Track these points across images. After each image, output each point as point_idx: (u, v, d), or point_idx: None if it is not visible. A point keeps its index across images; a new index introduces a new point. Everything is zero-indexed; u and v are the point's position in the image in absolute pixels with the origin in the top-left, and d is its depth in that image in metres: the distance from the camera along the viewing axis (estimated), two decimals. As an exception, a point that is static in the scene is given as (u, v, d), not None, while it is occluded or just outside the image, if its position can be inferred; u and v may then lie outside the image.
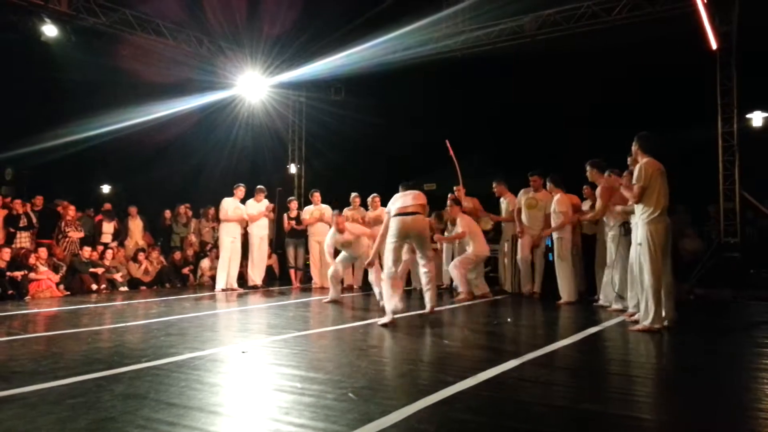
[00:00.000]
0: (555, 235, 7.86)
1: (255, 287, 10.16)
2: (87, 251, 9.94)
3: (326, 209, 10.22)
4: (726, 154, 9.65)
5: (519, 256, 8.72)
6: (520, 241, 8.69)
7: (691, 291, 8.39)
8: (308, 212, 10.38)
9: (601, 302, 7.34)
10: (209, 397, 3.24)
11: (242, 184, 10.16)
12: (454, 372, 3.75)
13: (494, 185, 9.36)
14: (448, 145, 8.93)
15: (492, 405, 3.16)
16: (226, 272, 9.85)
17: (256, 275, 10.30)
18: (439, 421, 2.82)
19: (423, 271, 6.42)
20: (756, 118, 11.96)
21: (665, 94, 10.62)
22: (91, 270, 9.77)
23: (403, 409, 2.93)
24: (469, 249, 8.30)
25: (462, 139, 9.56)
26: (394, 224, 6.12)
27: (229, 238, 9.91)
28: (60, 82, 11.61)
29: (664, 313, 5.46)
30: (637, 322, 5.65)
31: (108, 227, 10.87)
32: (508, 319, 6.48)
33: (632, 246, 6.07)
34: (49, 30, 9.80)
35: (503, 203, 9.31)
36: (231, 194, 10.03)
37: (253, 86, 12.46)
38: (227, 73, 12.25)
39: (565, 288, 7.74)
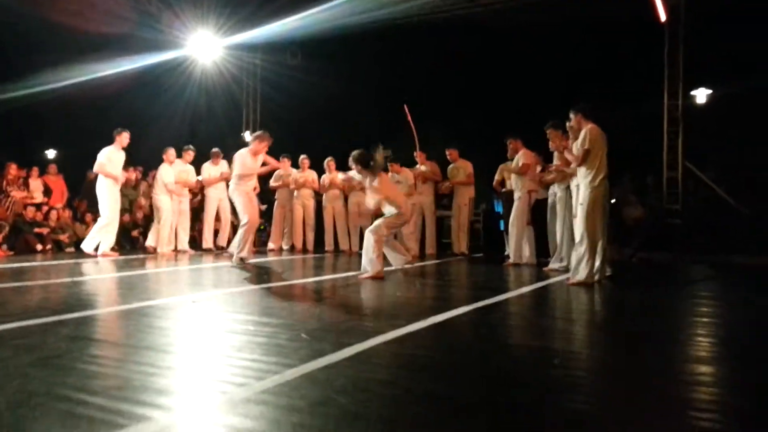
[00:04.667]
0: (516, 195, 8.00)
1: (210, 250, 9.99)
2: (31, 211, 9.60)
3: (311, 173, 10.23)
4: (671, 126, 9.97)
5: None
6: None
7: (633, 254, 8.72)
8: (275, 177, 10.21)
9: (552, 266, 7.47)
10: (159, 338, 3.22)
11: (191, 147, 9.88)
12: (405, 318, 3.82)
13: (447, 151, 9.46)
14: (407, 110, 8.89)
15: (441, 342, 3.25)
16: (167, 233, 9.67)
17: (210, 238, 10.11)
18: (390, 356, 2.90)
19: None
20: (700, 95, 12.40)
21: (613, 66, 10.86)
22: (36, 230, 9.45)
23: (356, 345, 2.98)
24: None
25: (420, 105, 9.56)
26: None
27: (176, 200, 9.68)
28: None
29: (597, 269, 5.73)
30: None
31: (36, 185, 10.42)
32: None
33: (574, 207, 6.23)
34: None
35: (456, 169, 9.39)
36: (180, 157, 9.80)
37: (205, 47, 12.13)
38: (177, 32, 11.87)
39: (514, 249, 7.91)
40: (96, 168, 8.77)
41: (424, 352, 3.00)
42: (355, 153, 6.32)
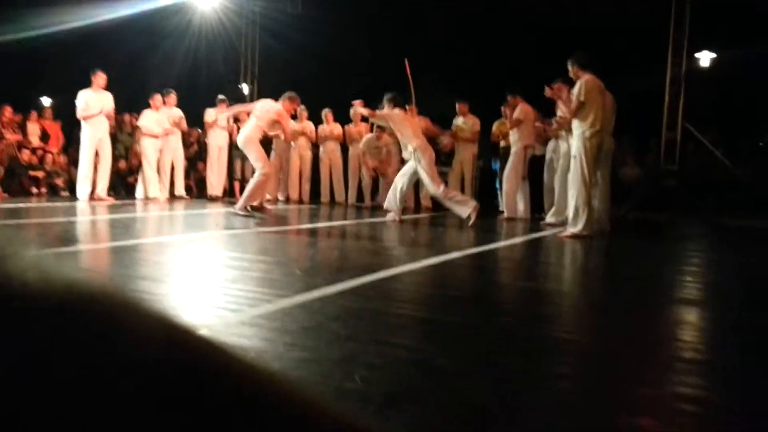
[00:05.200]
0: (512, 149, 8.00)
1: (215, 198, 9.92)
2: (26, 154, 9.55)
3: (308, 124, 10.11)
4: (673, 86, 9.88)
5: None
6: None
7: (628, 212, 8.75)
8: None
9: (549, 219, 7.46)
10: (154, 271, 3.26)
11: (173, 91, 9.69)
12: (399, 260, 3.86)
13: (457, 105, 9.25)
14: (407, 64, 8.76)
15: (434, 280, 3.30)
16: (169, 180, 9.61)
17: (216, 185, 10.03)
18: (384, 291, 2.94)
19: None
20: (704, 58, 12.28)
21: (619, 26, 10.69)
22: (31, 173, 9.43)
23: (349, 281, 3.02)
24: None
25: (419, 59, 9.43)
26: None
27: (171, 147, 9.58)
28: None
29: (597, 220, 5.74)
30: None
31: (33, 129, 10.32)
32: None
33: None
34: None
35: (464, 124, 9.21)
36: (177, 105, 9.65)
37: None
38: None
39: (507, 203, 7.96)
40: (78, 114, 8.58)
41: (417, 287, 3.04)
42: (388, 94, 6.77)
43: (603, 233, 5.97)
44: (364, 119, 9.94)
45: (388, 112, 6.70)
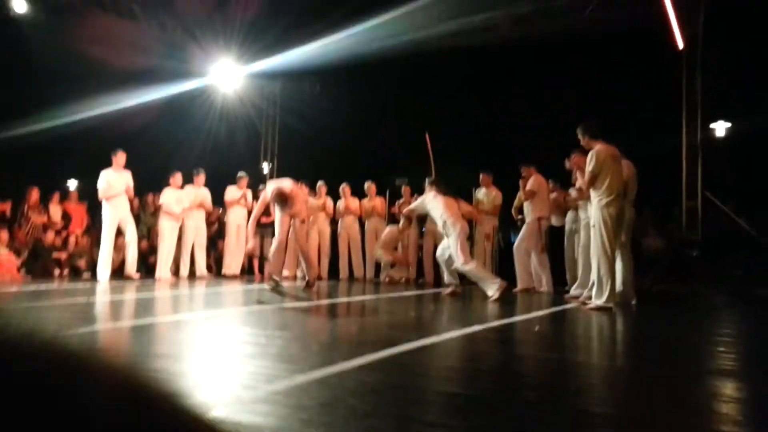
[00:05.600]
0: (526, 220, 7.99)
1: (233, 276, 9.93)
2: (50, 236, 9.72)
3: (327, 200, 10.28)
4: (689, 154, 9.89)
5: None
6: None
7: (652, 284, 8.56)
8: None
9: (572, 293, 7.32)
10: (170, 348, 3.21)
11: (202, 170, 9.93)
12: (419, 333, 3.77)
13: (481, 175, 9.27)
14: (427, 138, 8.91)
15: (455, 354, 3.20)
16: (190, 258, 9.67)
17: (232, 264, 10.06)
18: (403, 364, 2.85)
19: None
20: (719, 128, 12.35)
21: (633, 97, 10.88)
22: (54, 255, 9.56)
23: (369, 355, 2.93)
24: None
25: (438, 133, 9.60)
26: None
27: (192, 225, 9.69)
28: (26, 64, 11.32)
29: (618, 290, 5.61)
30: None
31: (55, 210, 10.54)
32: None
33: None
34: (18, 5, 9.53)
35: (486, 196, 9.21)
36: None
37: (227, 75, 12.36)
38: (200, 61, 12.13)
39: (520, 274, 7.98)
40: (99, 195, 8.74)
41: (438, 361, 2.95)
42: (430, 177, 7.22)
43: (628, 305, 5.83)
44: (378, 194, 10.08)
45: (429, 199, 6.86)
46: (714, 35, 9.74)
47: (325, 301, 6.25)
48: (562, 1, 10.18)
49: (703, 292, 8.21)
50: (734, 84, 11.05)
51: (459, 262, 6.50)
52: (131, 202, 9.15)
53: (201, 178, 9.76)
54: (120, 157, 8.78)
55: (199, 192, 9.73)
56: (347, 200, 10.03)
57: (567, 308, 5.89)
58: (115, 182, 8.66)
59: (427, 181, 7.18)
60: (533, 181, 7.98)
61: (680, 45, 9.22)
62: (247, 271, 10.55)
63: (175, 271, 9.75)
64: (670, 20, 8.79)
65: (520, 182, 8.38)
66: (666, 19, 8.83)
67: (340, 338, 3.60)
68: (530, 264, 8.02)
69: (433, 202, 6.81)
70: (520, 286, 7.83)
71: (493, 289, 6.28)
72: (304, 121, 12.70)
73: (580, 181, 6.63)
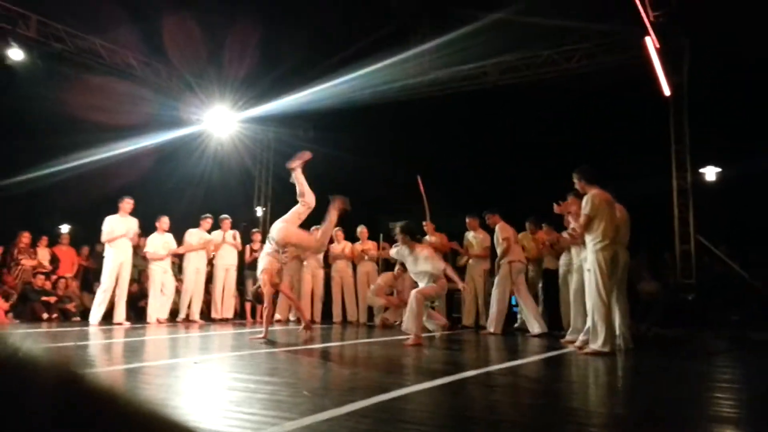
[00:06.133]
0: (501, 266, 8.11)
1: (224, 320, 9.83)
2: (40, 280, 9.61)
3: None
4: (681, 198, 9.96)
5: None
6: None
7: (649, 329, 8.49)
8: None
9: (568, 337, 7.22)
10: (157, 394, 3.12)
11: (210, 215, 10.00)
12: (418, 378, 3.70)
13: (467, 219, 9.29)
14: (420, 181, 8.94)
15: (447, 400, 3.13)
16: (187, 302, 9.59)
17: (221, 308, 9.96)
18: (394, 412, 2.78)
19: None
20: (709, 173, 12.48)
21: (621, 142, 11.04)
22: (43, 299, 9.43)
23: (359, 402, 2.86)
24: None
25: (430, 177, 9.66)
26: None
27: (194, 268, 9.67)
28: (21, 111, 11.40)
29: (618, 336, 5.55)
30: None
31: (43, 254, 10.47)
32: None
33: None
34: (15, 54, 9.64)
35: (474, 239, 9.21)
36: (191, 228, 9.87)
37: (221, 121, 12.48)
38: (195, 108, 12.26)
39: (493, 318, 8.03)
40: (102, 238, 8.77)
41: (429, 407, 2.88)
42: (402, 223, 6.60)
43: (625, 350, 5.75)
44: (371, 238, 10.06)
45: (405, 254, 6.60)
46: (701, 82, 9.96)
47: (317, 346, 6.15)
48: (550, 51, 10.42)
49: (700, 336, 8.15)
50: (723, 129, 11.25)
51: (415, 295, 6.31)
52: (135, 248, 9.14)
53: (208, 222, 9.90)
54: (126, 204, 8.90)
55: (204, 237, 9.76)
56: (341, 244, 9.99)
57: (563, 353, 5.81)
58: (119, 227, 8.74)
59: (397, 229, 6.70)
60: (501, 228, 8.09)
61: (666, 92, 9.39)
62: (239, 315, 10.41)
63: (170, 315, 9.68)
64: (655, 68, 8.97)
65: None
66: (652, 67, 9.02)
67: (331, 384, 3.52)
68: (519, 306, 8.03)
69: (409, 257, 6.47)
70: (492, 329, 7.91)
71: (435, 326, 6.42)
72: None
73: (573, 225, 6.63)
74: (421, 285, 6.37)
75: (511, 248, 8.09)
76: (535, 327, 7.79)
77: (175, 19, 10.28)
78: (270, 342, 6.01)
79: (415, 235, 6.51)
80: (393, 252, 6.81)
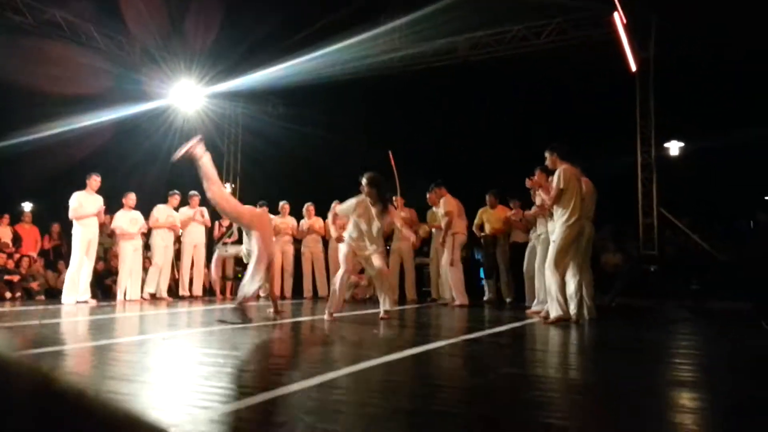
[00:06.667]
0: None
1: (191, 297, 9.75)
2: (1, 258, 9.40)
3: (290, 219, 10.15)
4: (644, 172, 10.15)
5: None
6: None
7: (613, 300, 8.70)
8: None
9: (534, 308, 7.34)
10: (124, 370, 3.10)
11: (177, 192, 9.83)
12: (379, 351, 3.73)
13: (428, 195, 9.36)
14: (391, 156, 8.92)
15: (416, 371, 3.18)
16: (156, 278, 9.47)
17: (188, 285, 9.87)
18: (363, 382, 2.81)
19: None
20: (673, 147, 12.75)
21: (589, 117, 11.18)
22: (6, 277, 9.22)
23: (327, 374, 2.88)
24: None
25: (401, 153, 9.64)
26: None
27: (162, 244, 9.52)
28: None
29: (583, 306, 5.71)
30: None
31: (4, 232, 10.23)
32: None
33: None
34: (-30, 26, 9.27)
35: (435, 213, 9.27)
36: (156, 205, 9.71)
37: (187, 96, 12.23)
38: (160, 82, 11.98)
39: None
40: (70, 214, 8.59)
41: (398, 377, 2.92)
42: (370, 174, 6.03)
43: (589, 320, 5.90)
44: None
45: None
46: (667, 58, 10.10)
47: (287, 321, 6.15)
48: (520, 26, 10.42)
49: (662, 306, 8.38)
50: (687, 105, 11.46)
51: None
52: (101, 225, 8.96)
53: (176, 199, 9.72)
54: (94, 181, 8.69)
55: (171, 213, 9.62)
56: (311, 219, 9.97)
57: (528, 323, 5.92)
58: (87, 204, 8.55)
59: (364, 179, 6.09)
60: (445, 202, 8.19)
61: (633, 67, 9.50)
62: (209, 292, 10.34)
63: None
64: (622, 44, 9.07)
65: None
66: (619, 43, 9.11)
67: (300, 357, 3.54)
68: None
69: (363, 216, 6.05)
70: (457, 301, 8.01)
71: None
72: (266, 142, 12.63)
73: (540, 199, 6.71)
74: (371, 249, 5.98)
75: (454, 221, 8.18)
76: (459, 298, 8.00)
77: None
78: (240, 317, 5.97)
79: (383, 192, 5.98)
80: (343, 206, 6.23)
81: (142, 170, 12.35)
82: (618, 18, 8.88)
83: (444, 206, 8.20)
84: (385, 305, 5.92)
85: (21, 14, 9.75)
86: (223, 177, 13.93)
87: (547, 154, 6.03)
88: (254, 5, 10.62)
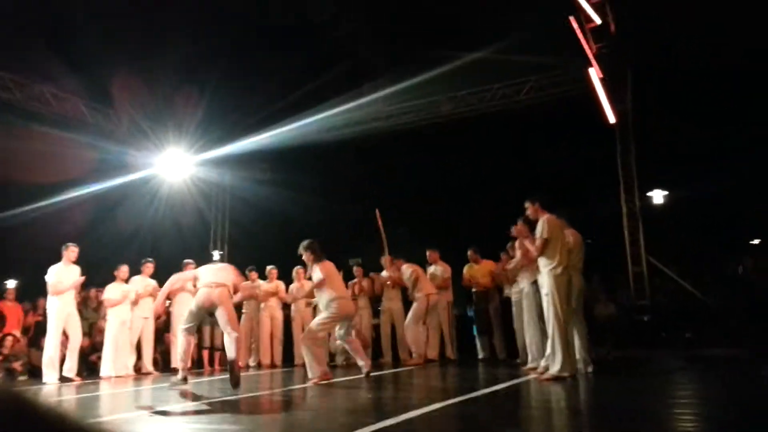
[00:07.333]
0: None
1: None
2: (-17, 338, 9.15)
3: (279, 284, 10.00)
4: (630, 221, 10.25)
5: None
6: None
7: (609, 352, 8.60)
8: (242, 289, 9.97)
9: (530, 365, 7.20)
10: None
11: (150, 260, 9.62)
12: (383, 414, 3.62)
13: (428, 252, 9.38)
14: (378, 215, 8.98)
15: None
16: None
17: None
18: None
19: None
20: (656, 196, 12.91)
21: (571, 170, 11.36)
22: (-13, 358, 8.95)
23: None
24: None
25: (389, 213, 9.69)
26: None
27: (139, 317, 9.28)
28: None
29: (579, 358, 5.60)
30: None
31: None
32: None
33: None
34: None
35: (435, 272, 9.24)
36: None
37: (174, 164, 12.30)
38: (147, 152, 12.09)
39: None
40: (49, 290, 8.31)
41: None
42: (305, 242, 6.58)
43: (585, 373, 5.80)
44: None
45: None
46: (645, 109, 10.37)
47: (278, 389, 5.99)
48: (500, 84, 10.73)
49: (656, 356, 8.29)
50: (668, 154, 11.69)
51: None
52: (85, 299, 8.73)
53: (149, 267, 9.45)
54: (71, 252, 8.40)
55: (145, 283, 9.38)
56: (301, 282, 9.85)
57: (524, 380, 5.81)
58: (64, 277, 8.28)
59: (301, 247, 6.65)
60: (407, 266, 8.71)
61: (611, 119, 9.74)
62: (196, 365, 10.07)
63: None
64: (599, 98, 9.32)
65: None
66: (595, 96, 9.36)
67: (292, 427, 3.42)
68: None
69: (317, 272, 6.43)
70: (415, 358, 8.30)
71: (313, 373, 6.10)
72: (254, 207, 12.67)
73: (522, 250, 6.69)
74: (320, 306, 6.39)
75: (420, 281, 8.64)
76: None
77: (127, 65, 10.20)
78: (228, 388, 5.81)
79: (318, 253, 6.53)
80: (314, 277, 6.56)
81: (125, 242, 12.26)
82: (594, 72, 9.16)
83: (407, 269, 8.75)
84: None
85: (8, 91, 9.89)
86: (210, 245, 13.88)
87: (527, 204, 5.96)
88: (243, 73, 10.87)
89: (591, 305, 9.51)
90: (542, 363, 6.06)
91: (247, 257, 12.33)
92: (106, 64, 10.15)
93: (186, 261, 9.61)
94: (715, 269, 11.62)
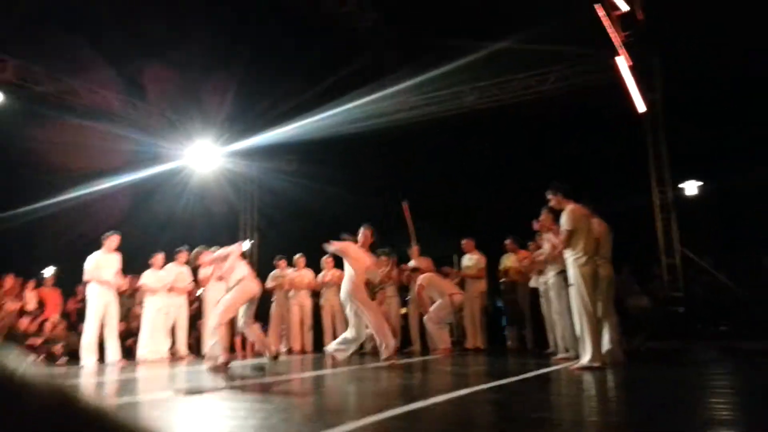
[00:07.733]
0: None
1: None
2: (24, 322, 9.45)
3: (308, 272, 10.12)
4: (663, 213, 10.06)
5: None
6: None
7: (642, 344, 8.49)
8: (271, 278, 10.15)
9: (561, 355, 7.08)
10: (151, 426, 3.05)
11: (184, 248, 9.78)
12: (411, 398, 3.65)
13: (463, 241, 9.38)
14: (405, 207, 8.99)
15: (446, 418, 3.10)
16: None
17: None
18: (391, 430, 2.74)
19: None
20: (689, 187, 12.64)
21: (601, 161, 11.19)
22: (29, 342, 9.24)
23: (352, 422, 2.82)
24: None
25: (413, 204, 9.69)
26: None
27: (175, 303, 9.51)
28: (2, 153, 11.32)
29: (606, 349, 5.53)
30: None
31: (30, 296, 10.29)
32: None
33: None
34: (-5, 96, 9.60)
35: (470, 260, 9.25)
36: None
37: (203, 156, 12.47)
38: (177, 144, 12.26)
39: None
40: (86, 276, 8.57)
41: (424, 426, 2.84)
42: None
43: (617, 364, 5.71)
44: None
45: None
46: (676, 97, 10.14)
47: (309, 374, 6.07)
48: (525, 74, 10.60)
49: (689, 348, 8.16)
50: (701, 143, 11.42)
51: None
52: (119, 285, 8.95)
53: (183, 256, 9.62)
54: (111, 240, 8.60)
55: (181, 270, 9.59)
56: (330, 271, 9.92)
57: (555, 369, 5.78)
58: (104, 264, 8.50)
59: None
60: (418, 260, 8.77)
61: (641, 109, 9.54)
62: (230, 349, 10.23)
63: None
64: (627, 87, 9.13)
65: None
66: (624, 85, 9.18)
67: (323, 408, 3.47)
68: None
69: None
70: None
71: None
72: (282, 197, 12.77)
73: (548, 241, 6.64)
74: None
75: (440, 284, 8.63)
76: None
77: (156, 58, 10.35)
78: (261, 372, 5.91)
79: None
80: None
81: (158, 230, 12.49)
82: (622, 61, 8.98)
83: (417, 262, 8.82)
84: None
85: (41, 84, 10.13)
86: (239, 235, 14.04)
87: (550, 195, 5.84)
88: (269, 66, 10.93)
89: (624, 297, 9.40)
90: (573, 353, 6.04)
91: (274, 245, 12.47)
92: (135, 58, 10.32)
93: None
94: (749, 261, 11.35)
